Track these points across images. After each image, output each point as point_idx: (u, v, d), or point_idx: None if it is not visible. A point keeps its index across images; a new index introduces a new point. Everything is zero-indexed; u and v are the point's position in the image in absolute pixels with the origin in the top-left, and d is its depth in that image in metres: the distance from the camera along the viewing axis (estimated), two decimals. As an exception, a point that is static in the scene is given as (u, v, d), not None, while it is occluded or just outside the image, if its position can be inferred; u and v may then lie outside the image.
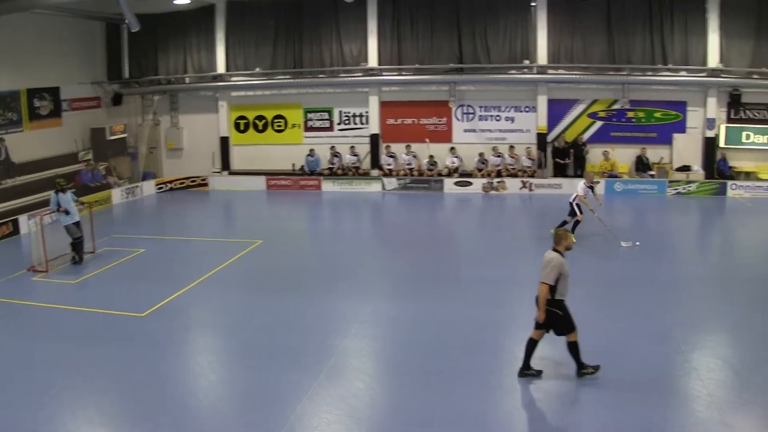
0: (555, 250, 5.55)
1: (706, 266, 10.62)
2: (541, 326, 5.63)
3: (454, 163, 18.24)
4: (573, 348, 5.70)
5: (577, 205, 11.37)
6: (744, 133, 18.19)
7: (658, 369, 6.21)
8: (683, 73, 18.08)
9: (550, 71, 18.14)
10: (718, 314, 7.97)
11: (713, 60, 17.95)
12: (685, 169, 17.98)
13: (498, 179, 17.84)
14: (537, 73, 18.07)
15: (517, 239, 12.51)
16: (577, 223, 11.28)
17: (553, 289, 5.48)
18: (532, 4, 18.00)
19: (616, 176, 17.78)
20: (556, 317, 5.60)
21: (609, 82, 18.04)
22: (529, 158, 18.07)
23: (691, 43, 18.00)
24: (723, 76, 17.97)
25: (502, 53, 18.21)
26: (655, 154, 18.13)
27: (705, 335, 7.23)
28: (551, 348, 6.22)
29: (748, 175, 18.14)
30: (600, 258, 11.00)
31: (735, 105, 18.12)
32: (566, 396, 5.76)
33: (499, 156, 18.09)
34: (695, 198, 17.44)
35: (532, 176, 17.89)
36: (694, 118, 18.15)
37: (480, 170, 18.10)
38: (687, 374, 6.15)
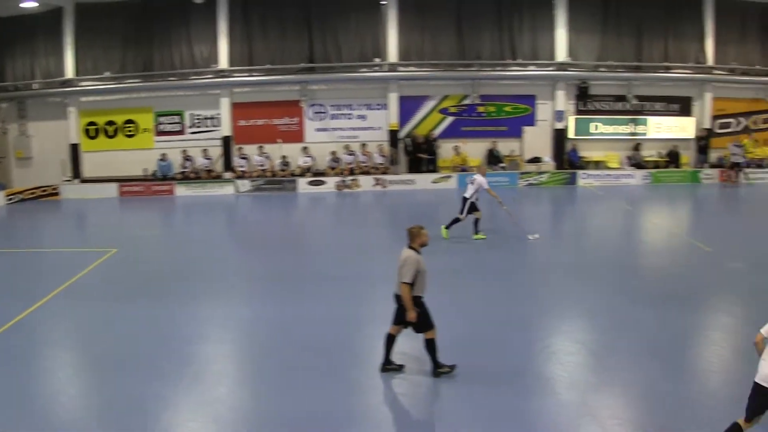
0: (411, 247, 5.34)
1: (561, 254, 10.58)
2: (399, 322, 5.41)
3: (306, 162, 17.95)
4: (430, 346, 5.44)
5: (472, 203, 10.73)
6: (592, 124, 18.55)
7: (519, 356, 6.16)
8: (532, 67, 18.36)
9: (400, 69, 18.12)
10: (575, 299, 8.00)
11: (561, 54, 18.31)
12: (536, 160, 18.16)
13: (351, 177, 17.63)
14: (388, 71, 18.03)
15: (372, 236, 12.25)
16: (457, 220, 10.69)
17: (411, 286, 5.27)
18: (383, 2, 18.00)
19: (467, 170, 17.81)
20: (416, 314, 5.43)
21: (459, 78, 18.14)
22: (382, 155, 17.94)
23: (539, 38, 18.31)
24: (571, 69, 18.33)
25: (352, 52, 18.11)
26: (506, 147, 18.26)
27: (562, 321, 7.26)
28: (411, 343, 5.93)
29: (598, 165, 18.48)
30: (454, 250, 10.52)
31: (583, 97, 18.49)
32: (431, 388, 5.54)
33: (351, 154, 17.90)
34: (547, 188, 17.66)
35: (384, 173, 17.75)
36: (543, 110, 18.40)
37: (333, 169, 17.86)
38: (547, 359, 6.12)
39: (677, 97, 19.20)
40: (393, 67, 17.88)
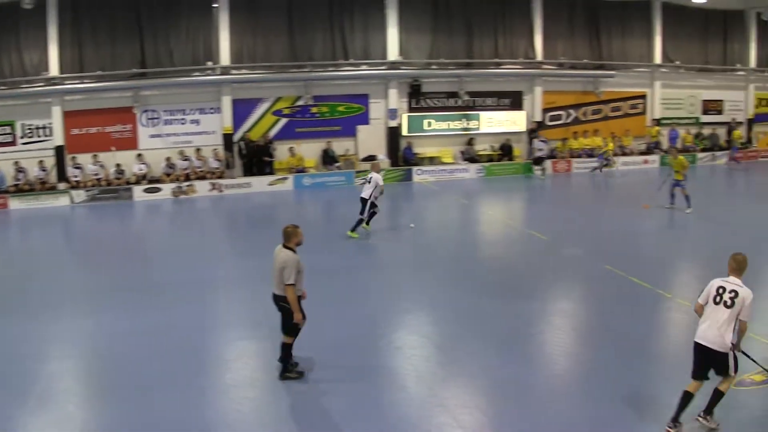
0: (287, 247, 5.39)
1: (401, 249, 10.95)
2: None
3: (141, 170, 18.04)
4: (286, 349, 5.57)
5: (371, 203, 10.99)
6: (425, 121, 19.35)
7: (367, 353, 6.33)
8: (364, 67, 18.94)
9: (233, 72, 18.35)
10: (417, 294, 8.36)
11: (393, 53, 18.94)
12: (371, 158, 18.83)
13: (187, 183, 17.84)
14: (220, 75, 18.22)
15: (211, 241, 12.43)
16: (360, 221, 11.06)
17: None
18: (214, 5, 18.12)
19: (303, 171, 18.34)
20: (288, 313, 5.44)
21: (292, 79, 18.53)
22: (217, 159, 18.24)
23: (371, 38, 18.86)
24: (403, 68, 19.02)
25: (185, 56, 18.17)
26: (340, 146, 18.87)
27: (405, 315, 7.58)
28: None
29: (432, 160, 19.35)
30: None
31: (415, 95, 19.25)
32: (282, 389, 5.61)
33: (186, 159, 18.10)
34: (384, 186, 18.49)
35: (220, 177, 18.06)
36: (376, 109, 19.06)
37: (168, 175, 18.02)
38: (394, 355, 6.37)
39: (508, 91, 20.26)
40: (225, 71, 18.10)
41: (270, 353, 6.25)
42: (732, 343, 4.48)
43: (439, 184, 18.23)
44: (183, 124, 18.27)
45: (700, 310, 4.72)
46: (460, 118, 19.64)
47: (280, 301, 5.50)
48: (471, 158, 19.57)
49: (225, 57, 18.14)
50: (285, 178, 18.03)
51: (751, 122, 23.74)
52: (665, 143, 21.71)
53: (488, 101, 20.06)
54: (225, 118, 18.21)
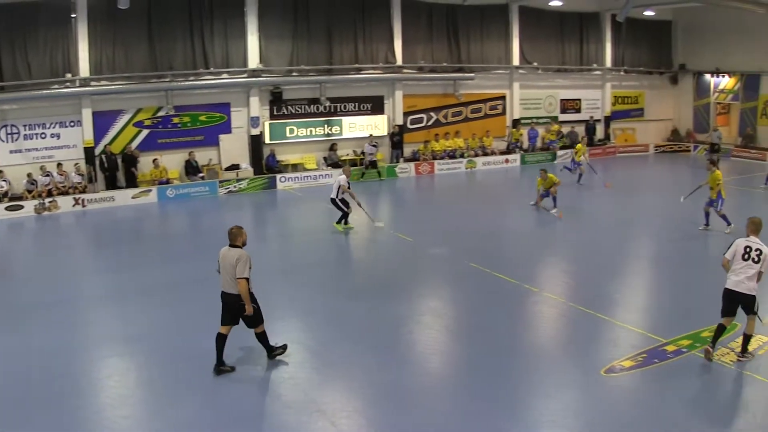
0: (234, 246, 8.09)
1: (269, 257, 14.28)
2: (229, 322, 8.27)
3: (2, 187, 26.73)
4: (263, 338, 8.50)
5: (341, 200, 16.39)
6: (288, 128, 29.43)
7: (238, 363, 8.73)
8: (225, 75, 28.24)
9: (92, 83, 27.10)
10: (289, 301, 11.22)
11: (254, 61, 28.40)
12: (235, 167, 28.81)
13: (49, 199, 26.24)
14: (80, 86, 27.04)
15: (76, 257, 16.06)
16: (346, 215, 16.59)
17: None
18: (72, 15, 26.73)
19: (167, 182, 28.44)
20: (244, 308, 8.16)
21: (153, 89, 27.52)
22: (79, 174, 27.57)
23: (232, 46, 27.82)
24: (264, 75, 28.51)
25: (43, 68, 25.59)
26: (203, 156, 28.42)
27: (277, 322, 9.77)
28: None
29: (296, 167, 29.76)
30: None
31: (277, 102, 28.99)
32: (148, 406, 8.11)
33: (47, 175, 26.15)
34: (247, 195, 25.63)
35: (83, 192, 27.01)
36: (238, 118, 28.70)
37: (30, 192, 26.65)
38: (267, 363, 8.68)
39: (369, 96, 30.20)
40: (85, 82, 26.17)
41: (144, 368, 8.62)
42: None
43: (304, 191, 25.69)
44: (43, 138, 26.77)
45: (727, 265, 8.47)
46: (322, 124, 29.65)
47: (240, 300, 8.04)
48: (334, 164, 29.99)
49: (84, 68, 26.06)
50: (149, 191, 25.46)
51: (608, 119, 34.92)
52: (525, 142, 34.22)
53: (350, 106, 30.10)
54: (86, 131, 26.62)
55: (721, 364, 9.27)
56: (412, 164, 28.96)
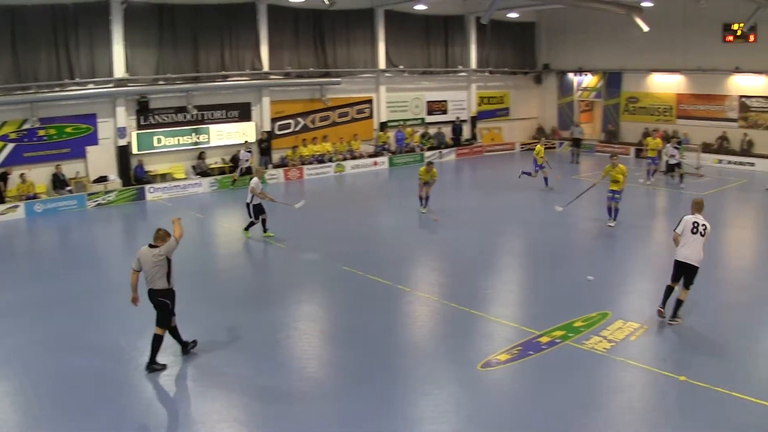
0: (153, 246, 10.95)
1: (116, 270, 16.99)
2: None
3: None
4: (157, 341, 10.97)
5: (255, 205, 19.15)
6: (155, 138, 37.24)
7: (115, 380, 10.77)
8: (91, 85, 35.19)
9: (-48, 96, 35.20)
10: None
11: (119, 70, 35.79)
12: (103, 179, 35.95)
13: None
14: (-63, 100, 35.00)
15: None
16: (252, 223, 19.71)
17: (169, 277, 11.03)
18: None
19: (35, 197, 36.72)
20: (165, 307, 11.08)
21: (17, 102, 32.21)
22: None
23: (97, 56, 32.93)
24: (130, 85, 34.81)
25: None
26: (71, 169, 34.49)
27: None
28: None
29: (164, 177, 38.38)
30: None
31: (144, 112, 35.86)
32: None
33: None
34: (117, 207, 30.78)
35: (-54, 207, 35.35)
36: (105, 129, 35.72)
37: None
38: (144, 377, 10.81)
39: (237, 103, 37.00)
40: None
41: (19, 392, 10.75)
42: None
43: (173, 201, 30.62)
44: None
45: (677, 238, 12.02)
46: (190, 133, 37.58)
47: (158, 296, 10.86)
48: (203, 172, 38.12)
49: (-56, 82, 33.94)
50: (16, 206, 29.49)
51: (474, 120, 44.23)
52: (393, 145, 45.76)
53: (217, 114, 37.46)
54: (-52, 147, 35.26)
55: (594, 352, 11.81)
56: (281, 170, 36.32)
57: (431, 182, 24.64)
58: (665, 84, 42.18)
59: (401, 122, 40.17)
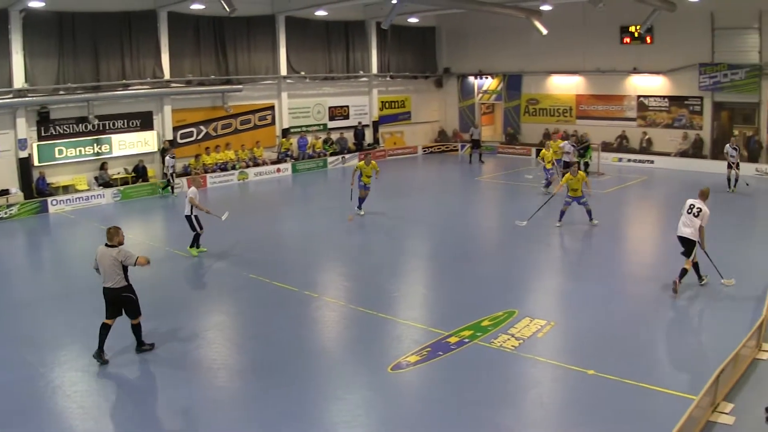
0: (110, 245, 12.27)
1: (43, 285, 17.94)
2: (114, 315, 12.52)
3: None
4: (137, 329, 12.78)
5: (195, 217, 19.93)
6: (57, 149, 39.03)
7: (24, 397, 11.28)
8: None
9: None
10: (62, 327, 14.70)
11: (19, 81, 37.16)
12: (4, 193, 37.82)
13: None
14: None
15: None
16: (198, 236, 20.22)
17: (126, 274, 12.35)
18: None
19: None
20: (132, 300, 12.70)
21: None
22: None
23: None
24: (30, 95, 36.01)
25: None
26: None
27: (58, 351, 13.08)
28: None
29: (67, 189, 40.19)
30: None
31: (44, 123, 36.65)
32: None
33: None
34: (19, 220, 31.74)
35: None
36: (5, 140, 36.41)
37: None
38: (53, 394, 11.16)
39: (138, 112, 38.23)
40: None
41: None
42: (697, 240, 15.53)
43: (77, 213, 29.82)
44: None
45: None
46: (92, 143, 38.24)
47: (121, 293, 12.40)
48: (106, 183, 39.65)
49: None
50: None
51: (376, 124, 47.53)
52: (296, 151, 50.03)
53: (119, 124, 38.03)
54: None
55: (502, 350, 12.70)
56: (184, 179, 37.93)
57: (371, 179, 27.19)
58: (565, 85, 45.87)
59: (303, 128, 43.04)
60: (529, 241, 22.86)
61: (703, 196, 16.52)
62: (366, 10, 43.36)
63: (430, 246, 23.50)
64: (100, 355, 13.24)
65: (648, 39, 40.40)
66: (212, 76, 40.86)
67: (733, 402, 11.15)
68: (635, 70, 41.47)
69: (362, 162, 27.18)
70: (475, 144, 42.58)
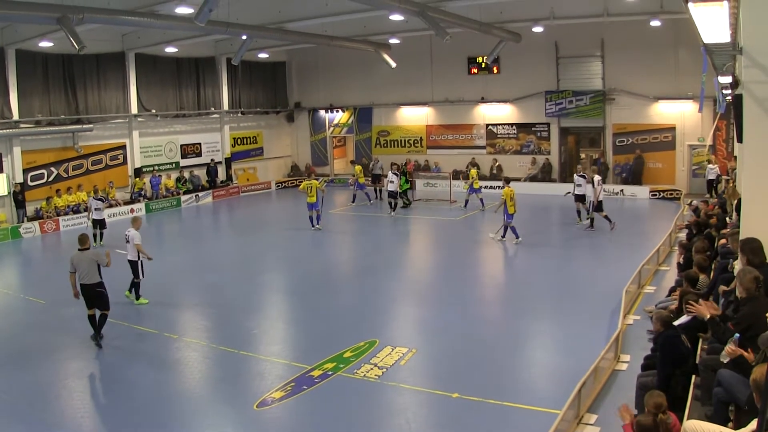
0: (83, 249, 16.93)
1: None
2: (93, 305, 17.12)
3: None
4: (103, 320, 16.90)
5: (141, 262, 20.75)
6: None
7: None
8: None
9: None
10: None
11: None
12: None
13: None
14: None
15: None
16: (138, 284, 21.05)
17: (99, 271, 17.02)
18: None
19: None
20: (104, 295, 17.31)
21: None
22: None
23: None
24: None
25: None
26: None
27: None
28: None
29: None
30: None
31: None
32: None
33: None
34: None
35: None
36: None
37: None
38: None
39: None
40: None
41: None
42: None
43: None
44: None
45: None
46: None
47: (96, 288, 16.89)
48: None
49: None
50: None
51: (229, 161, 51.08)
52: (149, 190, 53.06)
53: None
54: None
55: (366, 380, 13.73)
56: (36, 223, 40.23)
57: (319, 195, 31.42)
58: (415, 116, 50.90)
59: (156, 167, 45.40)
60: (382, 270, 26.02)
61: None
62: (216, 46, 46.88)
63: (287, 280, 25.27)
64: (97, 339, 17.34)
65: (495, 69, 45.47)
66: (62, 116, 42.61)
67: (597, 413, 12.40)
68: (483, 100, 46.33)
69: (305, 182, 32.45)
70: (375, 179, 44.77)
